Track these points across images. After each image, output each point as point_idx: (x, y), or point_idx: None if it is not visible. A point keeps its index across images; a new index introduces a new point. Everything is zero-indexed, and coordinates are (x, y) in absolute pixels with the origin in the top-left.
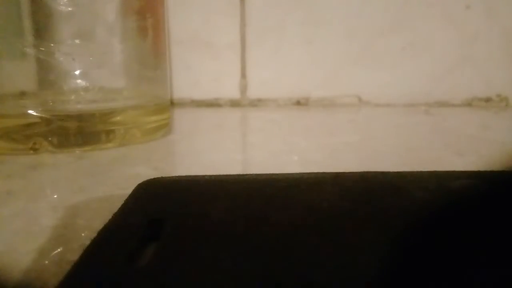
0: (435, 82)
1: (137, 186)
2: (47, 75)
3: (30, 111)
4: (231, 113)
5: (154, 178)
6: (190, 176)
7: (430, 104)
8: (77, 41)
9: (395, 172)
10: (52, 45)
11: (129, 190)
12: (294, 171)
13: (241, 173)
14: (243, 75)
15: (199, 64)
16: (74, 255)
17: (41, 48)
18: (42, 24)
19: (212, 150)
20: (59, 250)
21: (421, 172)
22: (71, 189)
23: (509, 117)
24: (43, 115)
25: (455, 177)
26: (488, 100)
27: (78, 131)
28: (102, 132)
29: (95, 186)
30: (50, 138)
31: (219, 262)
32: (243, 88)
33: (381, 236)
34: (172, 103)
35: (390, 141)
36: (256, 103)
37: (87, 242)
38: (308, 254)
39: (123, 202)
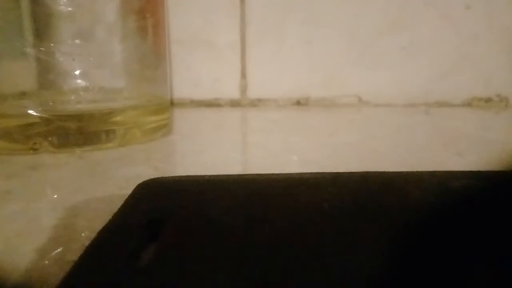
0: (434, 82)
1: (137, 186)
2: (47, 75)
3: (30, 111)
4: (231, 113)
5: (154, 178)
6: (190, 176)
7: (430, 104)
8: (77, 41)
9: (395, 172)
10: (52, 45)
11: (129, 190)
12: (294, 171)
13: (241, 173)
14: (243, 75)
15: (199, 64)
16: (74, 255)
17: (41, 48)
18: (42, 24)
19: (212, 150)
20: (59, 250)
21: (421, 172)
22: (71, 189)
23: (509, 117)
24: (43, 115)
25: (455, 177)
26: (488, 100)
27: (78, 131)
28: (102, 132)
29: (95, 186)
30: (50, 138)
31: (219, 262)
32: (243, 88)
33: (381, 236)
34: (172, 103)
35: (390, 141)
36: (256, 103)
37: (87, 242)
38: (308, 254)
39: (123, 202)
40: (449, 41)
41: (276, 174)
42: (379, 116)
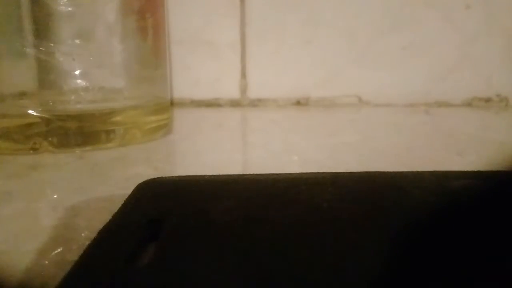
0: (435, 82)
1: (137, 186)
2: (47, 75)
3: (30, 111)
4: (231, 113)
5: (154, 178)
6: (190, 176)
7: (430, 104)
8: (77, 41)
9: (395, 172)
10: (52, 45)
11: (129, 190)
12: (294, 171)
13: (241, 173)
14: (243, 75)
15: (199, 64)
16: (74, 255)
17: (41, 48)
18: (42, 24)
19: (212, 150)
20: (59, 250)
21: (421, 172)
22: (71, 189)
23: (509, 117)
24: (43, 115)
25: (455, 177)
26: (488, 100)
27: (78, 131)
28: (102, 132)
29: (95, 186)
30: (50, 138)
31: (219, 262)
32: (243, 88)
33: (381, 236)
34: (172, 103)
35: (390, 141)
36: (256, 103)
37: (87, 242)
38: (308, 254)
39: (123, 202)
40: (449, 41)
41: (276, 174)
42: (379, 116)
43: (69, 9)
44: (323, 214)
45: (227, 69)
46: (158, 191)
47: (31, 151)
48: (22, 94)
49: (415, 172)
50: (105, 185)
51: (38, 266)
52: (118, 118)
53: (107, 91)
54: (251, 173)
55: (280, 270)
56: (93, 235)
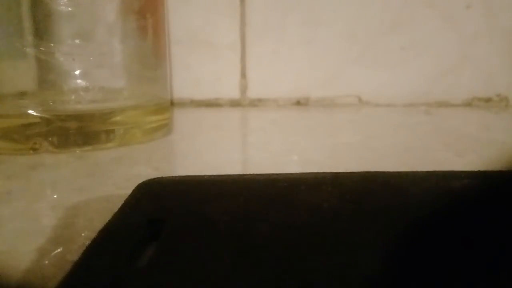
0: (435, 82)
1: (137, 186)
2: (47, 75)
3: (30, 111)
4: (231, 113)
5: (154, 178)
6: (190, 176)
7: (430, 104)
8: (77, 41)
9: (395, 172)
10: (52, 45)
11: (129, 190)
12: (294, 171)
13: (241, 173)
14: (243, 75)
15: (199, 64)
16: (74, 255)
17: (41, 48)
18: (42, 24)
19: (212, 150)
20: (59, 250)
21: (421, 172)
22: (71, 189)
23: (509, 117)
24: (43, 115)
25: (455, 177)
26: (488, 100)
27: (78, 131)
28: (102, 132)
29: (95, 186)
30: (50, 138)
31: (219, 262)
32: (243, 88)
33: (381, 236)
34: (172, 103)
35: (390, 141)
36: (256, 103)
37: (87, 242)
38: (308, 254)
39: (123, 202)
40: (449, 41)
41: (276, 174)
42: (379, 116)
43: (69, 9)
44: (323, 214)
45: (227, 69)
46: (158, 191)
47: (31, 151)
48: (22, 94)
49: (415, 172)
50: (105, 185)
51: (38, 266)
52: (118, 118)
53: (107, 91)
54: (251, 173)
55: (280, 270)
56: (93, 235)
